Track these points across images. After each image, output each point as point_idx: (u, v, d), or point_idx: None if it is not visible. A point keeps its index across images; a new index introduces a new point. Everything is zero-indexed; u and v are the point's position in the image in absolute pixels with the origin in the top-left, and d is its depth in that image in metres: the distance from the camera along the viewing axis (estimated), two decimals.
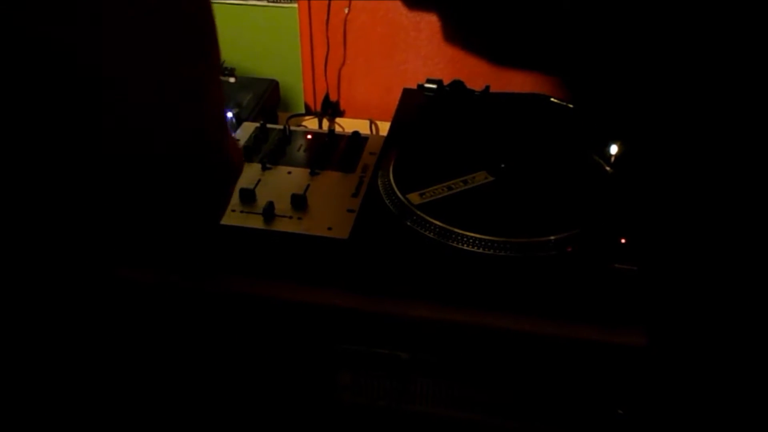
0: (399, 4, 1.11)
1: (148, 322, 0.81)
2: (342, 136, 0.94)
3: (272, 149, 0.89)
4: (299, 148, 0.91)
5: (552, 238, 0.70)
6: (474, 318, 0.71)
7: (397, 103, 1.01)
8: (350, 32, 1.15)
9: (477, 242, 0.70)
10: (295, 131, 0.95)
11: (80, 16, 0.34)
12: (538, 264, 0.69)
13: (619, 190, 0.79)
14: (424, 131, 0.90)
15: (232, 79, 0.98)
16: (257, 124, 0.95)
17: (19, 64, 0.34)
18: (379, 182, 0.80)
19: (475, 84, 1.02)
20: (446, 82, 1.02)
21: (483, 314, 0.71)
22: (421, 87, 1.02)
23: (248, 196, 0.78)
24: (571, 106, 0.97)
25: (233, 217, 0.76)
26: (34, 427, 0.67)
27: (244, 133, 0.94)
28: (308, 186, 0.83)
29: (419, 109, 0.98)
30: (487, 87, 1.02)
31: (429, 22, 1.11)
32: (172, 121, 0.39)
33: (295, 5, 1.15)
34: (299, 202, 0.78)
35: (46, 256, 0.47)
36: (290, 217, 0.77)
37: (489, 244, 0.69)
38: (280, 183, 0.83)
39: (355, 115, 1.21)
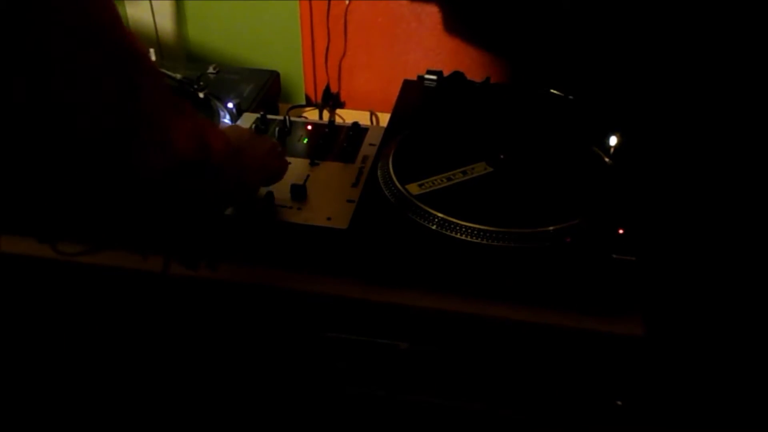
0: None
1: (147, 312, 0.81)
2: (342, 127, 0.94)
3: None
4: (299, 139, 0.91)
5: (551, 228, 0.70)
6: (473, 308, 0.72)
7: (397, 94, 1.01)
8: (351, 23, 1.15)
9: (476, 232, 0.70)
10: (295, 122, 0.95)
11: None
12: (537, 254, 0.69)
13: (618, 181, 0.79)
14: (424, 122, 0.90)
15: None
16: (258, 115, 0.95)
17: None
18: (379, 173, 0.80)
19: (476, 75, 1.02)
20: (447, 73, 1.02)
21: (482, 304, 0.72)
22: (421, 78, 1.02)
23: None
24: (570, 97, 0.97)
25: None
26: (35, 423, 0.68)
27: (244, 123, 0.94)
28: (308, 176, 0.83)
29: (419, 100, 0.98)
30: (488, 78, 1.02)
31: (430, 13, 1.11)
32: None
33: None
34: (299, 192, 0.79)
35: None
36: (290, 207, 0.77)
37: (488, 234, 0.70)
38: None
39: (356, 106, 1.21)
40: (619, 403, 0.74)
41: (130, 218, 0.49)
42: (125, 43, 0.45)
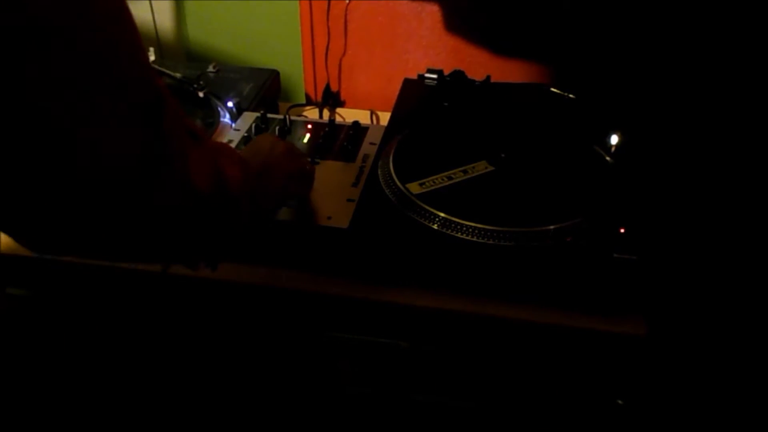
0: None
1: (148, 312, 0.81)
2: (342, 126, 0.94)
3: None
4: (300, 138, 0.91)
5: (552, 227, 0.70)
6: (474, 307, 0.72)
7: (397, 93, 1.00)
8: (351, 22, 1.14)
9: (477, 232, 0.70)
10: (295, 121, 0.95)
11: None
12: (538, 253, 0.69)
13: (619, 180, 0.79)
14: (424, 121, 0.90)
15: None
16: (258, 114, 0.94)
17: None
18: (379, 172, 0.80)
19: (476, 74, 1.02)
20: (447, 72, 1.02)
21: (483, 303, 0.72)
22: (421, 77, 1.02)
23: None
24: (571, 96, 0.97)
25: None
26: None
27: (244, 122, 0.94)
28: None
29: (420, 99, 0.98)
30: (488, 77, 1.01)
31: (430, 12, 1.11)
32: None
33: None
34: None
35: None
36: (290, 207, 0.77)
37: (489, 233, 0.69)
38: None
39: (356, 106, 1.21)
40: (620, 402, 0.74)
41: (145, 245, 0.48)
42: (155, 81, 0.44)
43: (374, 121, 1.14)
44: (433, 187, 0.76)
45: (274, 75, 1.11)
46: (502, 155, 0.81)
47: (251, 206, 0.57)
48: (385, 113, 1.05)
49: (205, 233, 0.51)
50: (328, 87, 1.21)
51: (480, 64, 1.13)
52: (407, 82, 1.03)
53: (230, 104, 0.98)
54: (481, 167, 0.80)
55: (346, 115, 1.17)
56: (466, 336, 0.74)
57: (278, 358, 0.82)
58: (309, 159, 0.80)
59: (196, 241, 0.52)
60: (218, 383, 0.86)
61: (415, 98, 0.99)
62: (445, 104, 0.94)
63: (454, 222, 0.70)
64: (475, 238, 0.70)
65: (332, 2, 1.13)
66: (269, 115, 0.95)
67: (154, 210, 0.45)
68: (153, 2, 1.22)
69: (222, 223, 0.52)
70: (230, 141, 0.89)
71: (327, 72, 1.20)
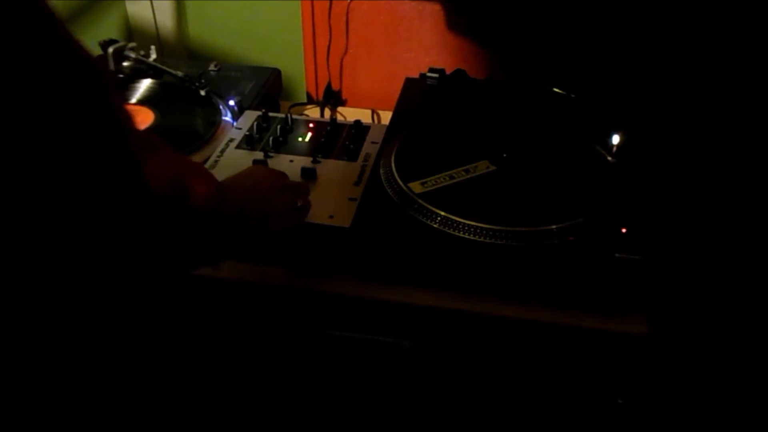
0: None
1: (148, 311, 0.81)
2: (344, 125, 0.94)
3: (274, 138, 0.89)
4: (301, 137, 0.91)
5: (554, 227, 0.70)
6: (476, 306, 0.72)
7: (399, 92, 1.00)
8: (352, 21, 1.14)
9: (479, 231, 0.70)
10: (297, 120, 0.95)
11: None
12: (540, 253, 0.69)
13: (621, 180, 0.79)
14: (426, 120, 0.90)
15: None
16: (259, 113, 0.94)
17: None
18: (381, 171, 0.80)
19: (478, 73, 1.02)
20: (449, 71, 1.02)
21: (485, 302, 0.72)
22: (423, 76, 1.02)
23: None
24: (573, 96, 0.97)
25: None
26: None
27: (246, 121, 0.94)
28: None
29: (421, 99, 0.98)
30: (490, 76, 1.01)
31: (432, 11, 1.11)
32: None
33: None
34: None
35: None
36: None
37: (491, 233, 0.69)
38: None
39: (358, 105, 1.21)
40: (620, 401, 0.74)
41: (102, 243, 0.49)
42: (86, 55, 0.44)
43: (375, 120, 1.14)
44: (435, 187, 0.76)
45: (275, 74, 1.11)
46: (504, 155, 0.81)
47: (220, 226, 0.58)
48: (387, 112, 1.05)
49: (166, 240, 0.52)
50: (329, 86, 1.21)
51: (481, 64, 1.13)
52: (409, 82, 1.03)
53: (232, 103, 0.98)
54: (483, 167, 0.80)
55: (348, 114, 1.17)
56: (467, 335, 0.74)
57: (279, 356, 0.82)
58: (304, 195, 0.75)
59: (159, 247, 0.52)
60: (218, 382, 0.86)
61: (417, 97, 0.99)
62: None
63: (456, 221, 0.70)
64: (477, 238, 0.70)
65: (334, 1, 1.13)
66: (271, 114, 0.95)
67: (108, 199, 0.45)
68: (154, 1, 1.22)
69: (182, 232, 0.53)
70: (231, 139, 0.89)
71: (328, 71, 1.20)
